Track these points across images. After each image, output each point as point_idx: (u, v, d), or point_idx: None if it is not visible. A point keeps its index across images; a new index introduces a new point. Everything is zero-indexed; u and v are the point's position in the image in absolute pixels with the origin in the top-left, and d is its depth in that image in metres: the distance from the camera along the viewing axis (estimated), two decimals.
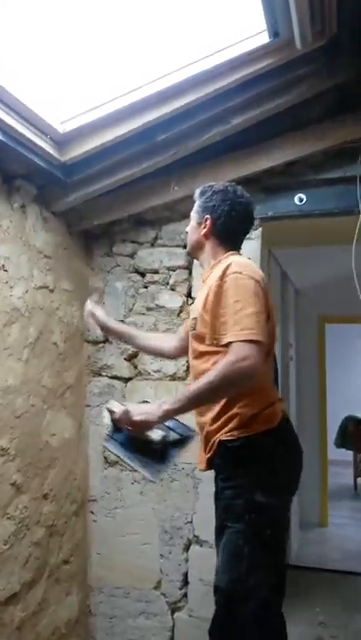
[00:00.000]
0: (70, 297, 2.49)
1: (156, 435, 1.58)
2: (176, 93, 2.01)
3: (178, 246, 2.57)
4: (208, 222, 1.72)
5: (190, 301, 2.51)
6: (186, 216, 2.52)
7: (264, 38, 1.91)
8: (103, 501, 2.58)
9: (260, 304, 1.50)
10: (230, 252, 1.71)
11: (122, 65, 2.08)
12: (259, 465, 1.53)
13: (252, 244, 2.47)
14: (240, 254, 1.74)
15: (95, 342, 2.65)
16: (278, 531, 1.56)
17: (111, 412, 1.58)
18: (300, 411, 4.54)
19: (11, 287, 2.01)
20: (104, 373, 2.64)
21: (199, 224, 1.76)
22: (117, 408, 1.57)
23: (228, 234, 1.73)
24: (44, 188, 2.26)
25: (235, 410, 1.56)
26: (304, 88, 2.07)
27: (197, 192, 1.80)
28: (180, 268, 2.56)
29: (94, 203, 2.42)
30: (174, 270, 2.57)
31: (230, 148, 2.27)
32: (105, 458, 2.61)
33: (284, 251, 3.54)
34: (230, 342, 1.47)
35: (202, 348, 1.63)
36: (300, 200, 2.37)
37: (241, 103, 2.08)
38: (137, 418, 1.52)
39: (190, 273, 2.56)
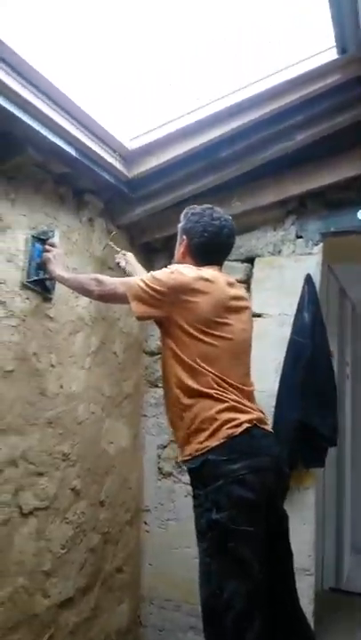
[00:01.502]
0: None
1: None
2: (242, 110, 2.05)
3: (236, 260, 2.58)
4: (184, 243, 1.86)
5: None
6: (246, 230, 2.56)
7: (331, 55, 1.93)
8: (156, 512, 2.60)
9: (160, 285, 1.68)
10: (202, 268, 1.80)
11: (189, 82, 2.14)
12: (214, 483, 1.58)
13: (312, 259, 2.46)
14: (213, 270, 1.81)
15: (152, 353, 2.70)
16: (243, 543, 1.55)
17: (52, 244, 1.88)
18: (355, 429, 4.41)
19: (77, 297, 2.09)
20: (160, 384, 2.67)
21: (180, 244, 1.89)
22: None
23: (202, 253, 1.84)
24: (111, 202, 2.34)
25: (187, 428, 1.67)
26: None
27: (182, 214, 1.93)
28: (239, 282, 2.54)
29: (157, 217, 2.48)
30: None
31: (294, 163, 2.28)
32: (159, 469, 2.63)
33: (342, 266, 3.48)
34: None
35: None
36: None
37: (306, 119, 2.10)
38: (48, 256, 1.84)
39: (249, 287, 2.56)
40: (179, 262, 1.87)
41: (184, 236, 1.87)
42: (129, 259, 2.30)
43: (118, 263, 2.30)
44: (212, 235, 1.82)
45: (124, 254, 2.30)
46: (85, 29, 1.93)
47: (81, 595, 2.11)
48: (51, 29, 1.73)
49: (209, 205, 1.88)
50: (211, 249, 1.85)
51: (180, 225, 1.90)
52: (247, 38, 2.08)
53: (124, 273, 2.30)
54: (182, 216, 1.90)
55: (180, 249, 1.89)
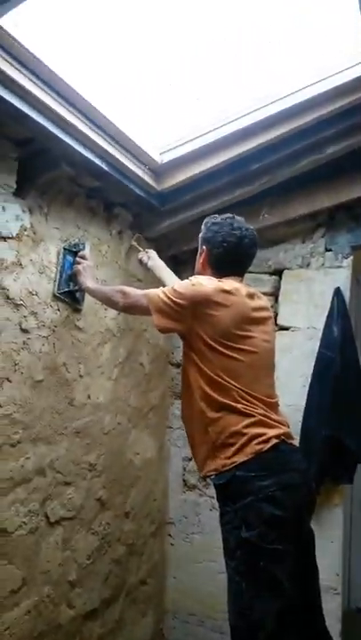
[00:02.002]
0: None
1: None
2: (272, 124, 2.05)
3: (264, 273, 2.58)
4: (204, 253, 1.85)
5: (276, 328, 2.50)
6: (275, 243, 2.56)
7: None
8: (181, 525, 2.59)
9: (180, 298, 1.68)
10: (223, 279, 1.78)
11: (219, 96, 2.16)
12: (242, 500, 1.55)
13: (342, 272, 2.44)
14: (233, 281, 1.79)
15: (178, 365, 2.69)
16: (273, 561, 1.51)
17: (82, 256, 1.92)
18: None
19: (105, 308, 2.11)
20: None
21: (200, 254, 1.88)
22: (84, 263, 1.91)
23: (222, 264, 1.83)
24: (140, 215, 2.36)
25: (213, 442, 1.65)
26: None
27: (203, 224, 1.91)
28: (266, 294, 2.52)
29: (184, 229, 2.49)
30: None
31: (324, 176, 2.27)
32: (184, 481, 2.62)
33: None
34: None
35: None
36: None
37: (337, 132, 2.09)
38: (78, 267, 1.88)
39: (276, 299, 2.55)
40: (199, 273, 1.86)
41: (204, 246, 1.85)
42: (152, 255, 2.31)
43: (141, 260, 2.32)
44: (232, 245, 1.80)
45: (147, 252, 2.32)
46: (114, 44, 1.96)
47: (105, 606, 2.11)
48: (80, 44, 1.77)
49: (230, 215, 1.86)
50: (231, 259, 1.83)
51: (200, 235, 1.89)
52: (278, 52, 2.09)
53: (147, 270, 2.33)
54: (203, 226, 1.88)
55: (200, 259, 1.88)
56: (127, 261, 2.32)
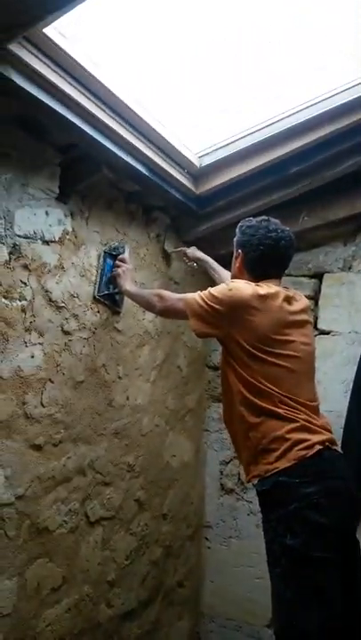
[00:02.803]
0: None
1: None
2: (312, 126, 2.03)
3: (304, 276, 2.55)
4: (240, 257, 1.82)
5: (316, 333, 2.46)
6: (314, 246, 2.52)
7: None
8: (218, 529, 2.58)
9: (217, 303, 1.66)
10: (260, 283, 1.75)
11: (259, 98, 2.15)
12: (287, 507, 1.53)
13: None
14: (271, 285, 1.75)
15: (216, 368, 2.69)
16: (319, 570, 1.48)
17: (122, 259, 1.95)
18: None
19: (143, 311, 2.13)
20: None
21: (236, 258, 1.85)
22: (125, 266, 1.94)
23: (258, 268, 1.80)
24: (178, 218, 2.38)
25: (255, 447, 1.63)
26: None
27: (237, 227, 1.88)
28: (306, 298, 2.52)
29: (222, 233, 2.48)
30: None
31: None
32: (221, 485, 2.61)
33: None
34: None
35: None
36: None
37: None
38: (118, 271, 1.90)
39: (316, 303, 2.52)
40: (235, 277, 1.84)
41: (240, 250, 1.82)
42: (195, 250, 2.33)
43: (186, 255, 2.32)
44: (268, 248, 1.77)
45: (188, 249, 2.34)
46: (153, 48, 1.98)
47: (143, 607, 2.13)
48: (119, 50, 1.79)
49: (265, 217, 1.83)
50: (268, 262, 1.79)
51: (235, 239, 1.86)
52: (319, 52, 2.07)
53: (194, 266, 2.35)
54: (237, 229, 1.85)
55: (235, 263, 1.85)
56: (166, 264, 2.34)
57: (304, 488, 1.52)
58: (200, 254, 2.30)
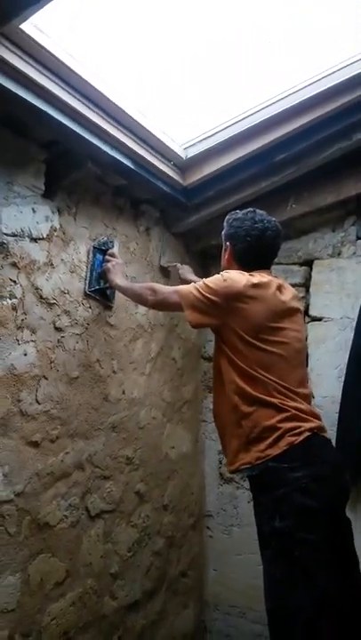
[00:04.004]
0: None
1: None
2: (296, 113, 2.03)
3: (294, 264, 2.56)
4: (229, 249, 1.87)
5: (308, 320, 2.48)
6: (303, 233, 2.53)
7: None
8: (219, 518, 2.60)
9: (212, 293, 1.69)
10: (253, 272, 1.78)
11: (241, 87, 2.15)
12: (276, 491, 1.58)
13: None
14: (263, 274, 1.79)
15: (210, 359, 2.69)
16: (308, 551, 1.53)
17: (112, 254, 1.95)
18: None
19: (136, 305, 2.13)
20: None
21: (225, 251, 1.89)
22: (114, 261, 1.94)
23: (247, 258, 1.84)
24: (166, 211, 2.38)
25: (246, 436, 1.66)
26: None
27: (224, 221, 1.91)
28: (297, 285, 2.53)
29: (211, 223, 2.49)
30: None
31: (351, 163, 2.23)
32: (221, 474, 2.63)
33: None
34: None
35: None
36: None
37: None
38: (107, 265, 1.90)
39: (308, 290, 2.53)
40: (225, 269, 1.86)
41: (228, 243, 1.87)
42: (186, 269, 2.37)
43: (176, 268, 2.36)
44: (255, 238, 1.81)
45: (183, 266, 2.39)
46: (133, 41, 1.98)
47: (147, 598, 2.15)
48: (99, 43, 1.79)
49: (251, 209, 1.87)
50: (256, 253, 1.83)
51: (223, 232, 1.90)
52: (298, 39, 2.07)
53: (177, 277, 2.35)
54: (225, 222, 1.90)
55: (225, 256, 1.89)
56: (156, 258, 2.34)
57: (293, 472, 1.57)
58: (190, 277, 2.32)
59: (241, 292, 1.69)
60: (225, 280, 1.72)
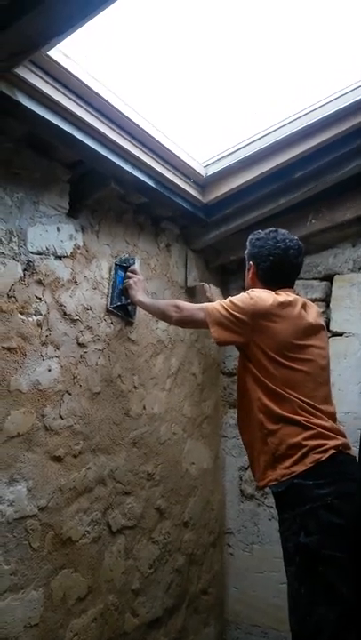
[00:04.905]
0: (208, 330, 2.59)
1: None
2: (315, 130, 2.05)
3: (315, 279, 2.56)
4: (252, 269, 1.89)
5: (329, 335, 2.47)
6: (323, 248, 2.53)
7: None
8: (240, 535, 2.58)
9: (240, 312, 1.70)
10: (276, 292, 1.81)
11: (261, 104, 2.18)
12: (301, 507, 1.58)
13: None
14: (288, 293, 1.82)
15: (230, 374, 2.71)
16: (332, 568, 1.52)
17: (133, 271, 1.98)
18: None
19: (156, 320, 2.15)
20: None
21: (248, 270, 1.92)
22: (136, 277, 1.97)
23: (271, 277, 1.86)
24: (186, 227, 2.41)
25: (273, 453, 1.67)
26: None
27: (247, 241, 1.94)
28: (317, 300, 2.53)
29: (231, 239, 2.52)
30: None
31: None
32: (241, 491, 2.61)
33: None
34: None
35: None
36: None
37: None
38: (129, 282, 1.93)
39: (328, 305, 2.52)
40: (249, 287, 1.88)
41: (251, 262, 1.90)
42: (214, 291, 2.39)
43: (203, 288, 2.38)
44: (278, 257, 1.83)
45: (210, 286, 2.41)
46: (152, 61, 2.02)
47: (168, 615, 2.13)
48: (119, 64, 1.83)
49: (273, 229, 1.90)
50: (279, 272, 1.86)
51: (246, 252, 1.93)
52: (315, 57, 2.10)
53: (203, 295, 2.37)
54: (247, 242, 1.93)
55: (248, 275, 1.92)
56: (175, 274, 2.37)
57: (318, 489, 1.57)
58: (218, 299, 2.31)
59: (269, 310, 1.71)
60: (252, 298, 1.74)
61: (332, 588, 1.51)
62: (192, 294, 2.46)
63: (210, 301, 2.21)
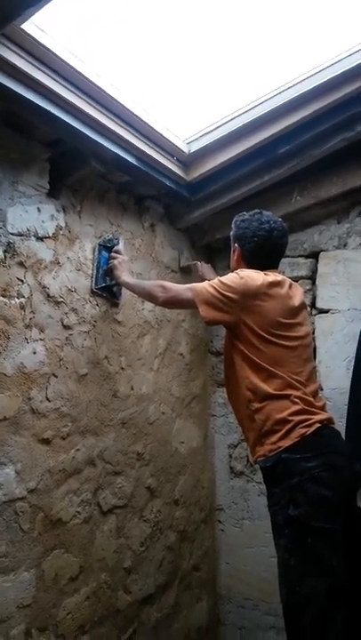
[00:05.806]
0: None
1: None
2: (299, 104, 2.02)
3: (300, 256, 2.55)
4: (237, 250, 1.91)
5: (315, 312, 2.48)
6: (309, 225, 2.52)
7: None
8: (230, 511, 2.61)
9: (230, 291, 1.71)
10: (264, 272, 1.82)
11: (243, 79, 2.14)
12: (289, 480, 1.61)
13: None
14: (276, 273, 1.85)
15: (218, 353, 2.71)
16: (321, 539, 1.55)
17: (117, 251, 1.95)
18: None
19: (142, 302, 2.14)
20: None
21: (233, 252, 1.94)
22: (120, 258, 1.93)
23: (256, 258, 1.88)
24: (170, 206, 2.38)
25: (259, 429, 1.70)
26: None
27: (232, 222, 1.94)
28: (303, 278, 2.53)
29: (216, 218, 2.50)
30: (297, 281, 2.53)
31: (355, 154, 2.22)
32: (231, 468, 2.64)
33: None
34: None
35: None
36: None
37: None
38: (114, 262, 1.90)
39: (314, 282, 2.52)
40: (235, 269, 1.89)
41: (236, 244, 1.91)
42: (206, 268, 2.41)
43: (196, 266, 2.39)
44: (262, 239, 1.85)
45: (202, 264, 2.42)
46: (133, 37, 1.98)
47: (161, 592, 2.16)
48: (99, 40, 1.79)
49: (258, 210, 1.91)
50: (264, 253, 1.88)
51: (231, 233, 1.94)
52: (298, 30, 2.06)
53: (196, 274, 2.38)
54: (233, 224, 1.93)
55: (233, 257, 1.93)
56: (161, 253, 2.35)
57: (305, 462, 1.60)
58: (211, 275, 2.33)
59: (259, 289, 1.74)
60: (242, 278, 1.75)
61: (322, 559, 1.55)
62: (185, 274, 2.44)
63: (203, 280, 2.22)
